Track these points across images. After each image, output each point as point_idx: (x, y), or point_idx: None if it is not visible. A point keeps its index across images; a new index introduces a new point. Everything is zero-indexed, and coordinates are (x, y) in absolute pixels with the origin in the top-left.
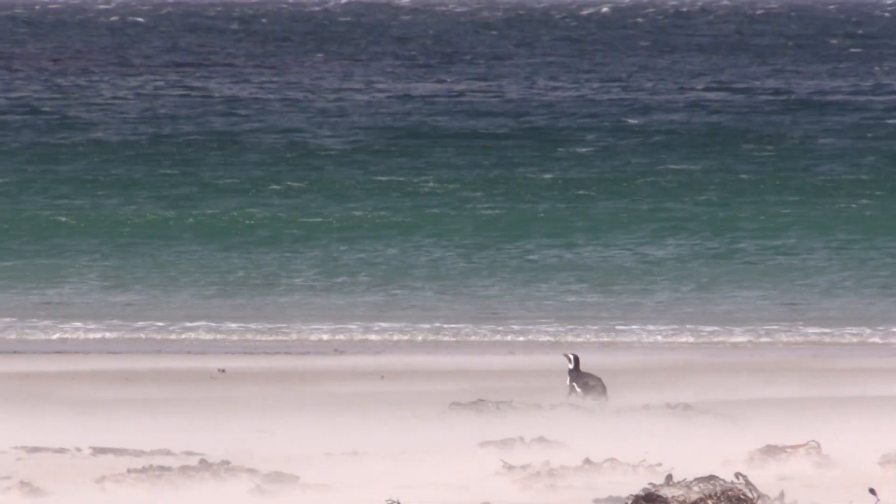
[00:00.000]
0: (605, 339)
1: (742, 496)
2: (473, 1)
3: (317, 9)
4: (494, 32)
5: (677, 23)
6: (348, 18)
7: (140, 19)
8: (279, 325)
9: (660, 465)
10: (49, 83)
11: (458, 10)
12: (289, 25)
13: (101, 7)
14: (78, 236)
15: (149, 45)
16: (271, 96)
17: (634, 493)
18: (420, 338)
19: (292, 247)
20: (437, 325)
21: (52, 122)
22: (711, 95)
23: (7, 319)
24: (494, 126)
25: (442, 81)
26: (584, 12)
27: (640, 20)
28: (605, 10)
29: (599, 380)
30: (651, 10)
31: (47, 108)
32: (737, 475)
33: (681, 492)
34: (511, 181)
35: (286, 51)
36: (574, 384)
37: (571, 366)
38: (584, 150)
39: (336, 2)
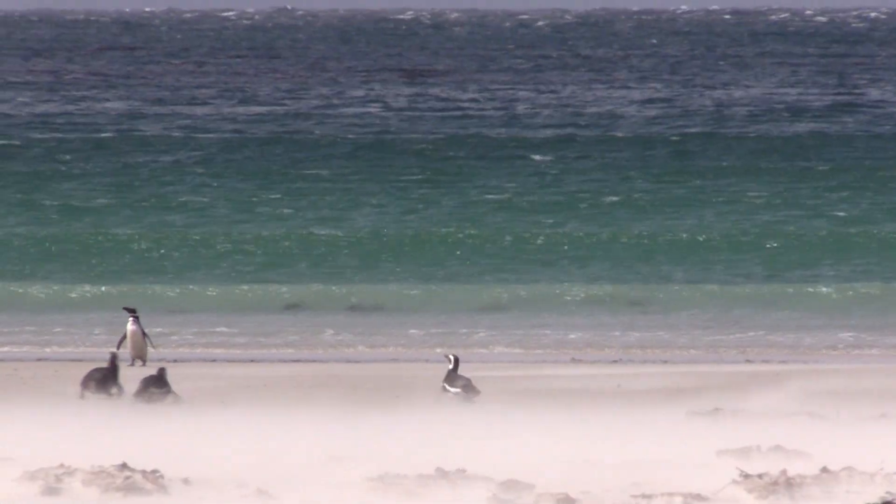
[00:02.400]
0: (828, 353)
1: None
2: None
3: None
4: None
5: None
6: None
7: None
8: (518, 334)
9: None
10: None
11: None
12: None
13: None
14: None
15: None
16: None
17: (872, 503)
18: (654, 349)
19: (528, 261)
20: (674, 336)
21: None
22: None
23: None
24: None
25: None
26: None
27: None
28: None
29: (469, 380)
30: None
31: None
32: None
33: None
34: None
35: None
36: (445, 384)
37: (451, 367)
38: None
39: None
